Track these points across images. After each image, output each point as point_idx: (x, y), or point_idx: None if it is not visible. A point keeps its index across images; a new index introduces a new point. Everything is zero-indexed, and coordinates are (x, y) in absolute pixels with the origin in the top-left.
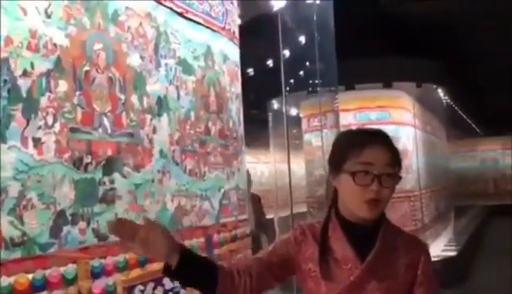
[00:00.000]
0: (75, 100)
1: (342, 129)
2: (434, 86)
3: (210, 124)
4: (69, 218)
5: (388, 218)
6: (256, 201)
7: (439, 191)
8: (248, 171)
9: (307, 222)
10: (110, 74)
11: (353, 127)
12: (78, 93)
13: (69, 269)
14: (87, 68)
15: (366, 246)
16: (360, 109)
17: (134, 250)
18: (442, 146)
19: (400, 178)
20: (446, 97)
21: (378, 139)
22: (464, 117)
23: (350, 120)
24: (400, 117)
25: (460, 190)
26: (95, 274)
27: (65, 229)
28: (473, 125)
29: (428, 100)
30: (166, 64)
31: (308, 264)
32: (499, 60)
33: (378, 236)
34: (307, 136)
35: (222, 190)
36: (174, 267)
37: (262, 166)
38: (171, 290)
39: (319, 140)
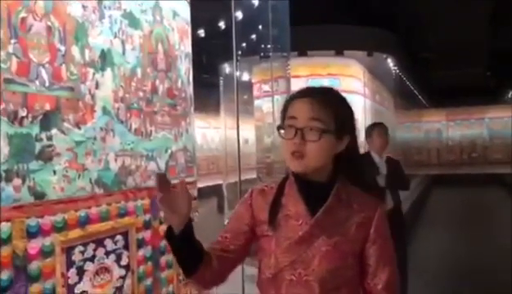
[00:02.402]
0: (10, 49)
1: None
2: (384, 56)
3: (158, 82)
4: (3, 174)
5: (343, 177)
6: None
7: None
8: None
9: (258, 186)
10: (49, 23)
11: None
12: (13, 41)
13: (3, 227)
14: (23, 14)
15: (320, 203)
16: (311, 76)
17: (162, 206)
18: (389, 116)
19: (326, 133)
20: (396, 67)
21: (304, 94)
22: (412, 88)
23: (302, 86)
24: (350, 85)
25: (404, 160)
26: (31, 234)
27: None
28: (420, 96)
29: (378, 69)
30: (110, 16)
31: (262, 226)
32: (447, 34)
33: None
34: (258, 102)
35: (169, 151)
36: (177, 233)
37: (213, 131)
38: (113, 251)
39: (270, 106)
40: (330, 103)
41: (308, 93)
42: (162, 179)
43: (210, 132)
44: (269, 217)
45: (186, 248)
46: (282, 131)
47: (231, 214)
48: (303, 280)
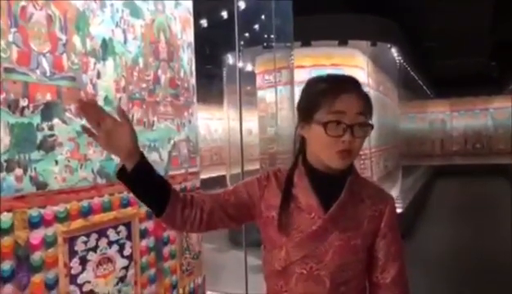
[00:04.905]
0: (10, 38)
1: (296, 86)
2: (388, 46)
3: (160, 72)
4: (4, 164)
5: (356, 168)
6: None
7: (388, 150)
8: None
9: (275, 168)
10: (50, 12)
11: (322, 74)
12: (13, 30)
13: (5, 217)
14: (23, 3)
15: (332, 196)
16: (315, 67)
17: (98, 139)
18: (393, 107)
19: (372, 127)
20: (400, 58)
21: (350, 87)
22: (416, 78)
23: (305, 77)
24: (354, 75)
25: (408, 150)
26: (33, 224)
27: (0, 175)
28: (424, 87)
29: (382, 59)
30: (112, 5)
31: (271, 212)
32: (451, 23)
33: (344, 187)
34: (261, 93)
35: (172, 141)
36: (130, 170)
37: (216, 122)
38: (116, 241)
39: (273, 97)
40: (367, 95)
41: (352, 86)
42: (90, 106)
43: (213, 123)
44: (280, 209)
45: (144, 186)
46: (316, 126)
47: (241, 181)
48: (314, 274)
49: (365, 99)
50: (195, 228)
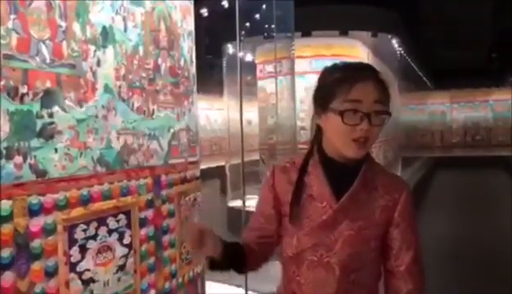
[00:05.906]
0: (9, 24)
1: (296, 76)
2: (389, 37)
3: (160, 61)
4: (4, 151)
5: (372, 156)
6: None
7: (388, 142)
8: None
9: (279, 163)
10: None
11: (337, 62)
12: (12, 16)
13: (4, 205)
14: None
15: (345, 185)
16: (315, 57)
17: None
18: (393, 98)
19: (390, 115)
20: (401, 48)
21: (367, 74)
22: (416, 69)
23: (305, 67)
24: None
25: (408, 142)
26: (32, 212)
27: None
28: (425, 78)
29: (382, 50)
30: None
31: (286, 206)
32: (452, 14)
33: (357, 176)
34: (261, 83)
35: (172, 130)
36: (220, 259)
37: (216, 112)
38: (115, 230)
39: (273, 87)
40: (384, 82)
41: (369, 73)
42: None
43: (213, 114)
44: (292, 200)
45: (231, 261)
46: (333, 115)
47: (259, 197)
48: (324, 261)
49: (382, 86)
50: (259, 267)
